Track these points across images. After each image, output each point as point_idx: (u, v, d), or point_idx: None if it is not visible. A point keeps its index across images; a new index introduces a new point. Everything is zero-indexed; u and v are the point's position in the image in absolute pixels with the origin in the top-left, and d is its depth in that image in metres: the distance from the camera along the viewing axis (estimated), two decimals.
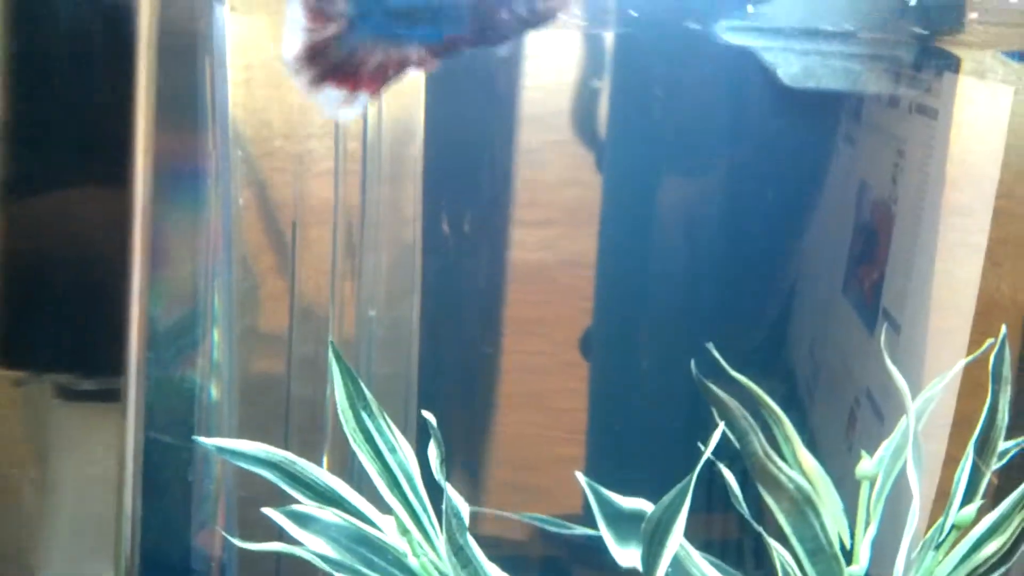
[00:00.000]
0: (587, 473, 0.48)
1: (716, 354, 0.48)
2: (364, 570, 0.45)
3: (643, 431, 0.57)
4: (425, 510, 0.46)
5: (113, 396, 0.41)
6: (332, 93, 0.36)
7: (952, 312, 0.57)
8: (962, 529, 0.47)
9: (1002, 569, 0.46)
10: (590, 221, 0.58)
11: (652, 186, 0.57)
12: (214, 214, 0.54)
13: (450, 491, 0.43)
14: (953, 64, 0.56)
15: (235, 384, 0.56)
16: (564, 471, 0.55)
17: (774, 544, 0.46)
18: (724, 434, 0.46)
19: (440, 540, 0.45)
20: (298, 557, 0.45)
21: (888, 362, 0.47)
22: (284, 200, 0.57)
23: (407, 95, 0.56)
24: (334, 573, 0.45)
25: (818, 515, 0.47)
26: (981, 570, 0.46)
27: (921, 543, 0.47)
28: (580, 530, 0.48)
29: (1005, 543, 0.46)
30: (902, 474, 0.48)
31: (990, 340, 0.50)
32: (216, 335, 0.56)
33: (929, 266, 0.57)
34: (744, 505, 0.46)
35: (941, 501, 0.51)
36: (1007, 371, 0.49)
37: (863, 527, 0.47)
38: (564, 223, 0.58)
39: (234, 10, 0.50)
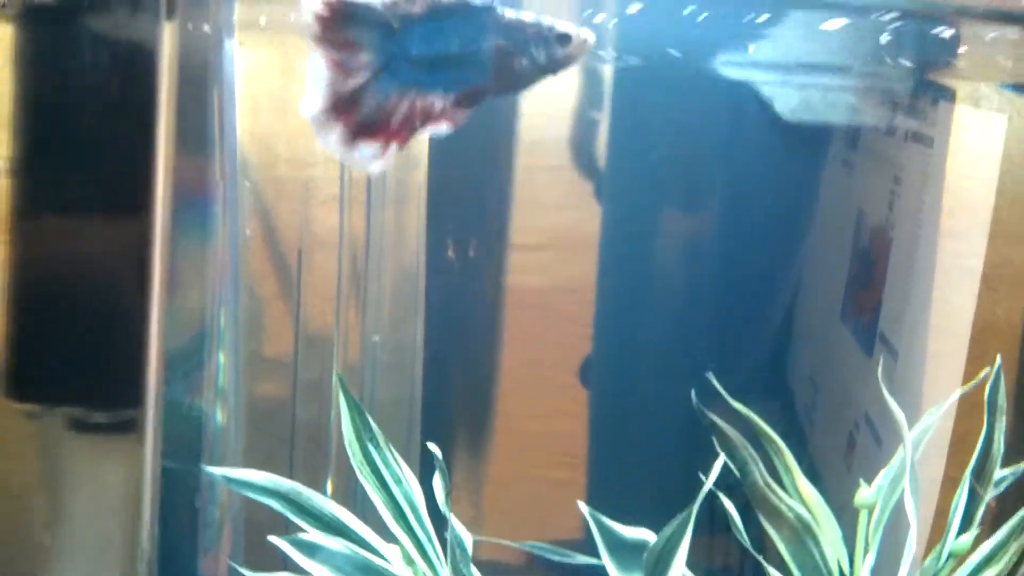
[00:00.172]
0: (587, 498, 0.48)
1: (716, 384, 0.48)
2: None
3: (643, 456, 0.58)
4: (430, 540, 0.47)
5: (125, 428, 0.42)
6: (363, 148, 0.36)
7: (949, 336, 0.58)
8: (959, 557, 0.48)
9: None
10: (587, 246, 0.59)
11: (651, 214, 0.58)
12: (222, 242, 0.55)
13: (454, 521, 0.44)
14: (948, 94, 0.57)
15: (241, 409, 0.57)
16: (564, 495, 0.55)
17: (774, 573, 0.47)
18: (725, 462, 0.47)
19: (444, 570, 0.45)
20: None
21: (886, 393, 0.48)
22: (289, 227, 0.58)
23: None
24: None
25: (818, 544, 0.47)
26: None
27: (919, 571, 0.48)
28: (583, 559, 0.48)
29: (1001, 571, 0.47)
30: (901, 501, 0.49)
31: (986, 369, 0.50)
32: (222, 360, 0.56)
33: (925, 291, 0.58)
34: (745, 534, 0.47)
35: (939, 522, 0.51)
36: (1002, 400, 0.49)
37: (862, 555, 0.48)
38: (562, 248, 0.59)
39: (243, 44, 0.51)
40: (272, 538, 0.48)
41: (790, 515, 0.47)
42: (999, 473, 0.50)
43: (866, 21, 0.45)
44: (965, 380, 0.54)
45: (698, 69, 0.51)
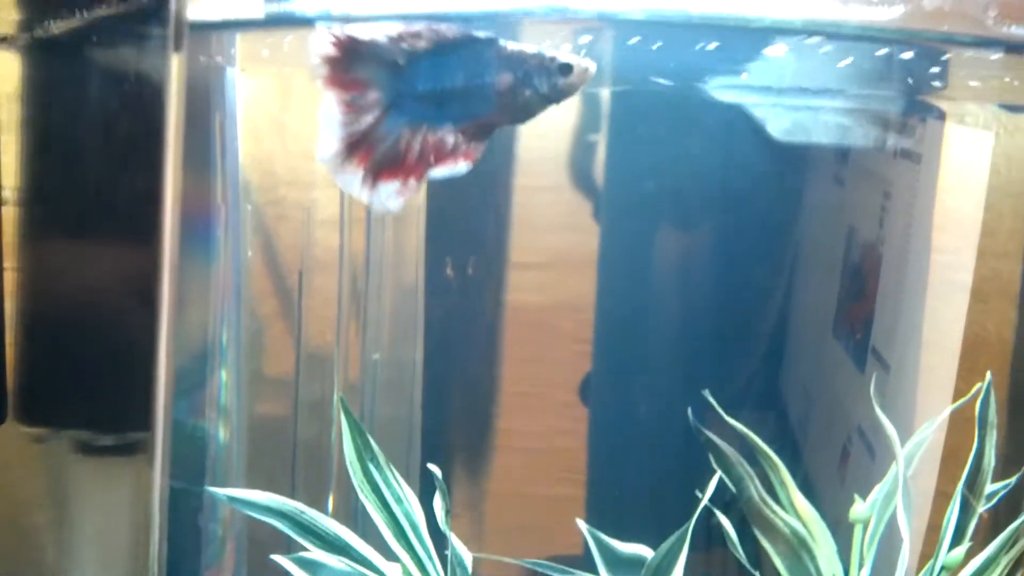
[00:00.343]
0: (587, 514, 0.49)
1: (713, 402, 0.49)
2: None
3: (643, 473, 0.58)
4: (430, 558, 0.47)
5: (130, 450, 0.43)
6: (386, 187, 0.37)
7: (939, 349, 0.59)
8: (952, 570, 0.49)
9: None
10: (586, 265, 0.60)
11: (648, 234, 0.59)
12: (224, 263, 0.55)
13: (454, 540, 0.44)
14: (937, 112, 0.58)
15: (243, 427, 0.58)
16: (563, 511, 0.56)
17: None
18: (722, 478, 0.48)
19: None
20: None
21: (878, 410, 0.49)
22: (290, 247, 0.58)
23: None
24: None
25: (813, 558, 0.48)
26: None
27: None
28: (581, 575, 0.49)
29: None
30: (895, 515, 0.49)
31: (978, 385, 0.51)
32: (225, 379, 0.57)
33: (916, 305, 0.59)
34: (741, 550, 0.48)
35: (932, 534, 0.52)
36: (993, 416, 0.50)
37: (857, 569, 0.48)
38: (561, 266, 0.60)
39: (244, 71, 0.51)
40: (275, 557, 0.49)
41: (786, 530, 0.48)
42: (991, 487, 0.51)
43: (857, 47, 0.46)
44: (956, 393, 0.55)
45: (692, 93, 0.52)
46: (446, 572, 0.46)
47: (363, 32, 0.35)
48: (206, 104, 0.51)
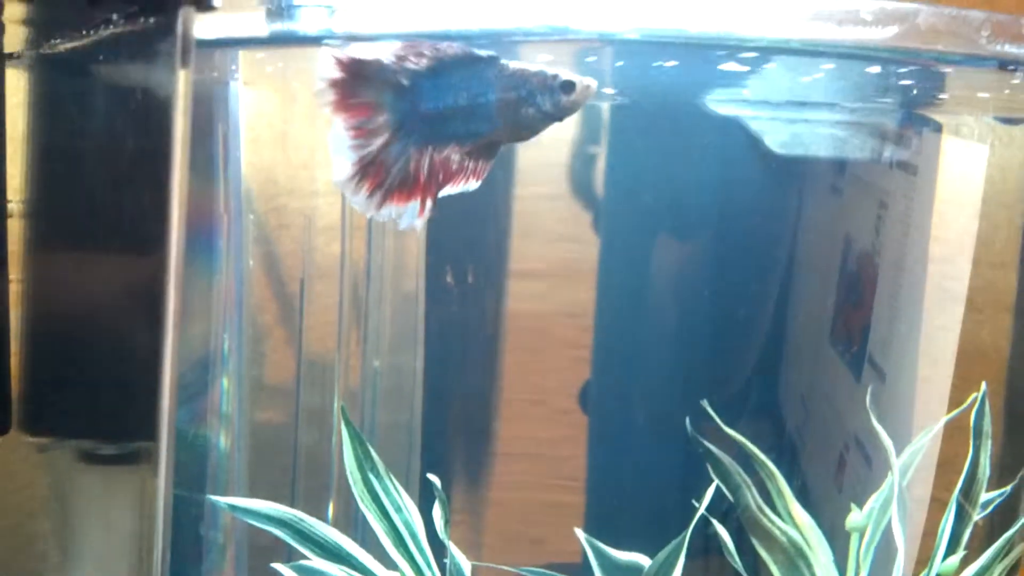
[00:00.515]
0: (586, 522, 0.49)
1: (711, 411, 0.50)
2: None
3: (642, 480, 0.59)
4: (429, 566, 0.48)
5: (134, 459, 0.43)
6: (400, 207, 0.37)
7: (935, 359, 0.59)
8: None
9: None
10: (585, 274, 0.60)
11: (647, 244, 0.59)
12: (226, 272, 0.56)
13: (453, 549, 0.45)
14: (933, 124, 0.59)
15: (245, 434, 0.58)
16: (563, 519, 0.56)
17: None
18: (720, 486, 0.48)
19: None
20: None
21: (874, 420, 0.49)
22: (292, 256, 0.59)
23: None
24: None
25: (810, 567, 0.48)
26: None
27: None
28: None
29: None
30: (891, 523, 0.50)
31: (973, 395, 0.52)
32: (226, 388, 0.57)
33: (912, 314, 0.59)
34: (738, 559, 0.48)
35: (928, 541, 0.53)
36: (987, 426, 0.51)
37: None
38: (560, 275, 0.60)
39: (247, 84, 0.52)
40: (275, 565, 0.49)
41: (783, 539, 0.48)
42: (986, 495, 0.51)
43: (853, 64, 0.47)
44: (952, 402, 0.56)
45: (693, 106, 0.53)
46: None
47: (366, 52, 0.36)
48: (210, 116, 0.51)
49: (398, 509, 0.48)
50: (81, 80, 0.38)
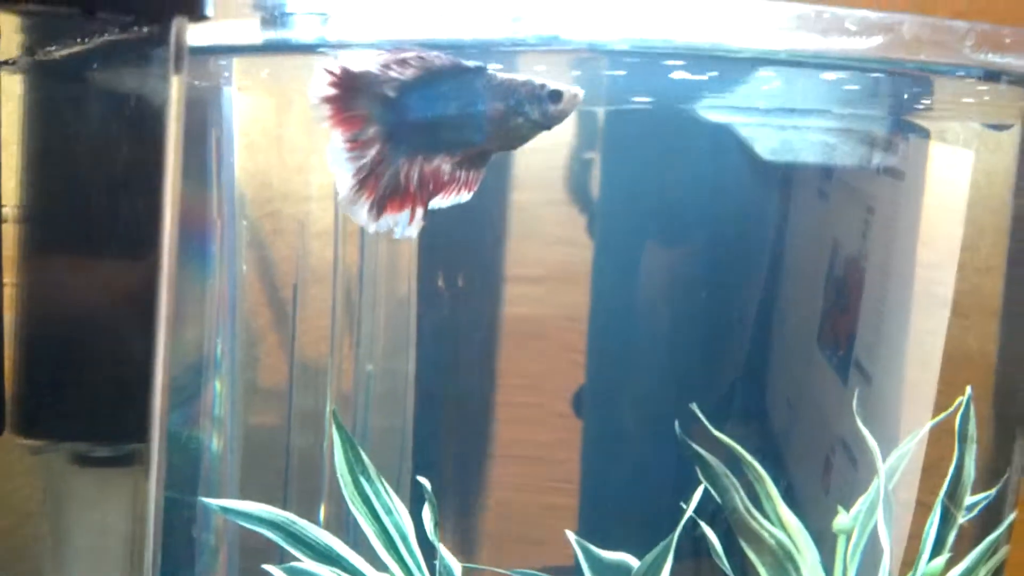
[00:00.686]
0: (579, 525, 0.50)
1: (700, 414, 0.50)
2: None
3: (636, 483, 0.59)
4: (419, 567, 0.48)
5: (127, 461, 0.43)
6: (394, 217, 0.38)
7: (921, 363, 0.60)
8: None
9: None
10: (580, 278, 0.60)
11: (640, 250, 0.60)
12: (220, 276, 0.56)
13: (443, 550, 0.45)
14: (920, 130, 0.59)
15: (237, 437, 0.58)
16: (557, 522, 0.57)
17: None
18: (709, 489, 0.48)
19: None
20: None
21: (860, 424, 0.50)
22: (285, 260, 0.59)
23: None
24: None
25: (797, 569, 0.49)
26: None
27: None
28: None
29: None
30: (877, 525, 0.50)
31: (958, 399, 0.52)
32: (219, 391, 0.58)
33: (899, 319, 0.60)
34: (726, 561, 0.48)
35: (913, 543, 0.53)
36: (972, 430, 0.51)
37: None
38: (555, 279, 0.60)
39: (241, 89, 0.52)
40: (267, 567, 0.49)
41: (771, 541, 0.49)
42: (971, 499, 0.52)
43: (843, 73, 0.48)
44: (938, 406, 0.56)
45: (683, 114, 0.53)
46: None
47: (355, 63, 0.36)
48: (203, 121, 0.52)
49: (388, 511, 0.48)
50: (76, 86, 0.39)
